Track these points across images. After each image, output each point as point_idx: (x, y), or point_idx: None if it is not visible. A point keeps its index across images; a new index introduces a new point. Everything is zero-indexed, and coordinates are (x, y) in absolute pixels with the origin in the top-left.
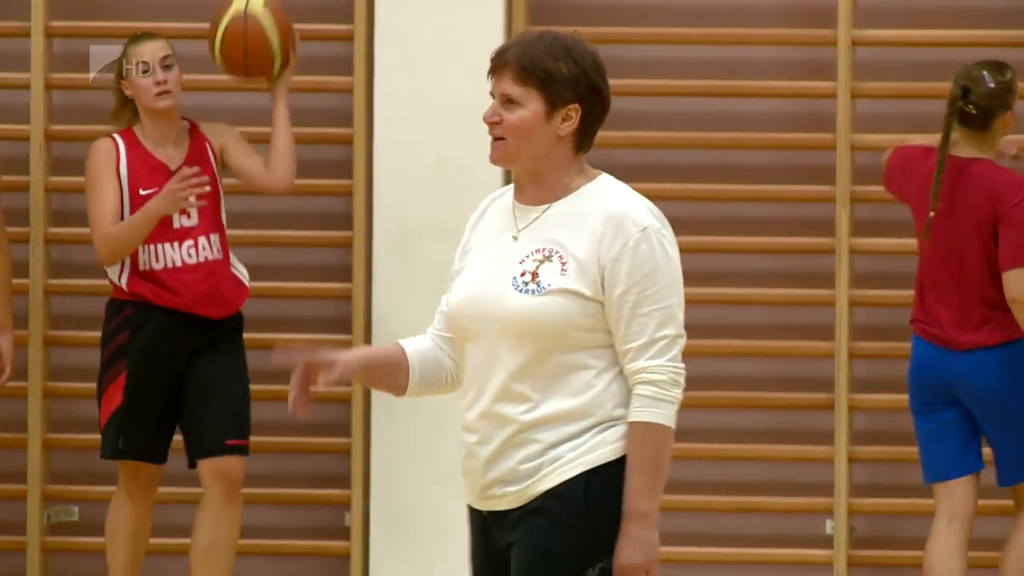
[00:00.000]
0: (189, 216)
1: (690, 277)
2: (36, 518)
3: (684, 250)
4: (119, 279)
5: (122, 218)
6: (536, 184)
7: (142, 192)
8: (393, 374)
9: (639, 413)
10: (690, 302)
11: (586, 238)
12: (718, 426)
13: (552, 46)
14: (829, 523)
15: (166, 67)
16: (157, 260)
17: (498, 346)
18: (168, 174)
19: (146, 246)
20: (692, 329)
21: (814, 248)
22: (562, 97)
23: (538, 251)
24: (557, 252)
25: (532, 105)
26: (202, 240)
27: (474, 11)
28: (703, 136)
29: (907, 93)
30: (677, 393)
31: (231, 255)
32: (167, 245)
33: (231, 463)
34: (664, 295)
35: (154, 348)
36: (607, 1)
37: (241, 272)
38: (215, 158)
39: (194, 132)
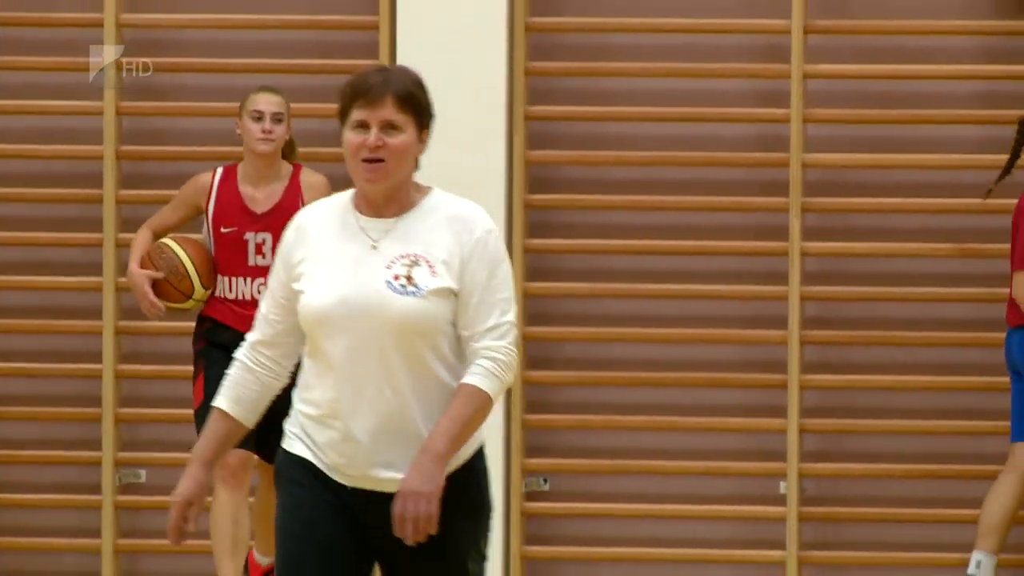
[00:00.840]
0: (264, 256)
1: (669, 275)
2: (109, 480)
3: (665, 252)
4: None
5: (214, 252)
6: (389, 200)
7: (223, 230)
8: (233, 439)
9: (474, 378)
10: (667, 296)
11: (445, 241)
12: (690, 402)
13: (414, 78)
14: (783, 484)
15: (276, 120)
16: (230, 291)
17: (376, 340)
18: (249, 216)
19: (223, 277)
20: (667, 320)
21: (771, 251)
22: (424, 123)
23: (403, 256)
24: (423, 257)
25: (410, 130)
26: None
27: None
28: (680, 155)
29: (852, 119)
30: (510, 377)
31: None
32: (240, 279)
33: None
34: (506, 287)
35: (227, 359)
36: (602, 41)
37: None
38: (306, 190)
39: (295, 177)
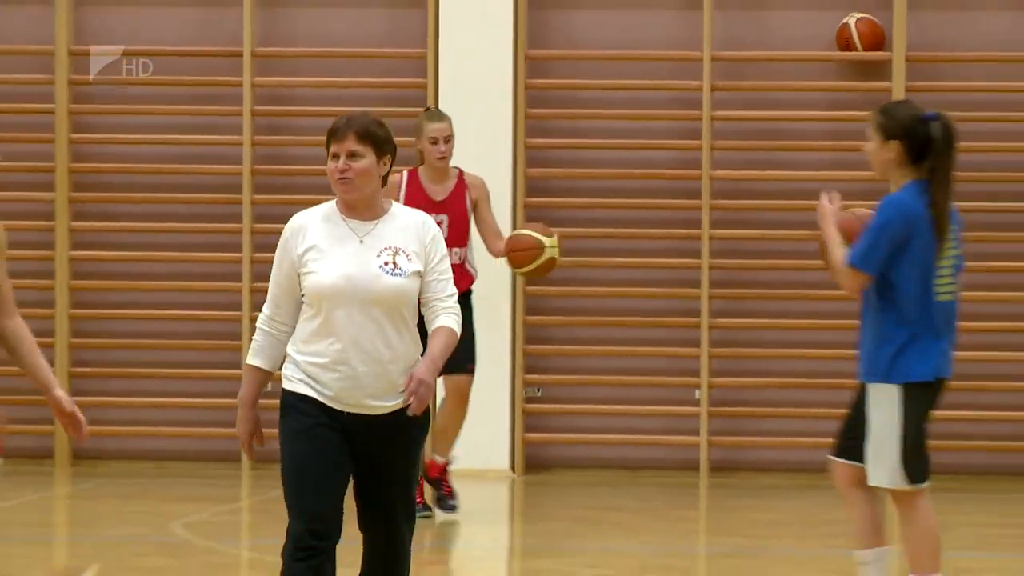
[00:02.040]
0: (447, 226)
1: (623, 252)
2: None
3: (619, 237)
4: None
5: None
6: (366, 208)
7: None
8: (265, 384)
9: (447, 321)
10: (620, 267)
11: (412, 237)
12: (632, 337)
13: (373, 120)
14: (697, 392)
15: (446, 141)
16: None
17: (372, 310)
18: (431, 204)
19: None
20: (618, 282)
21: (685, 237)
22: (383, 151)
23: (387, 249)
24: (401, 248)
25: (369, 156)
26: (449, 251)
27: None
28: (623, 172)
29: (747, 147)
30: (459, 328)
31: (466, 256)
32: None
33: (464, 380)
34: (448, 269)
35: None
36: (576, 96)
37: (474, 267)
38: (470, 201)
39: (460, 177)
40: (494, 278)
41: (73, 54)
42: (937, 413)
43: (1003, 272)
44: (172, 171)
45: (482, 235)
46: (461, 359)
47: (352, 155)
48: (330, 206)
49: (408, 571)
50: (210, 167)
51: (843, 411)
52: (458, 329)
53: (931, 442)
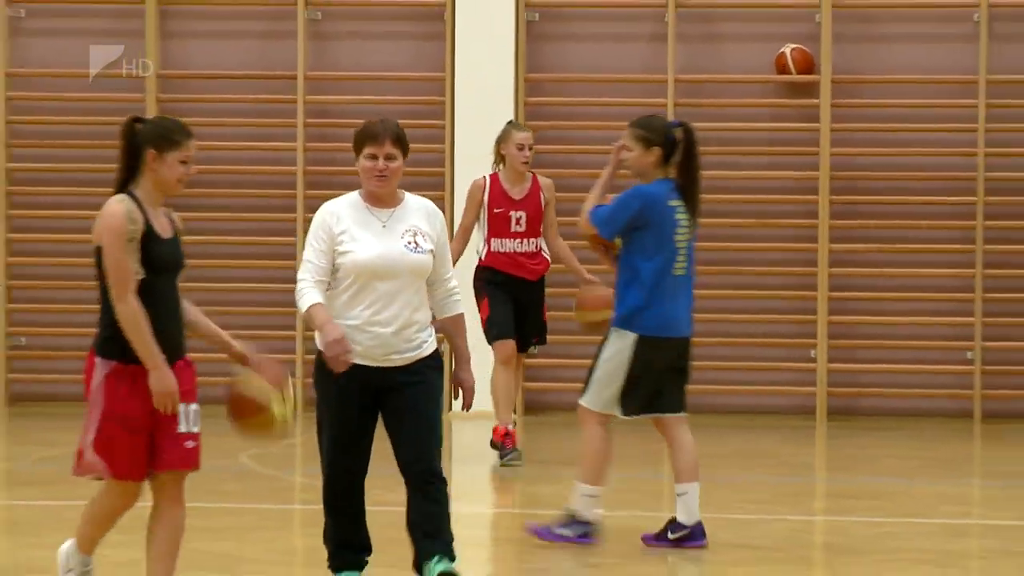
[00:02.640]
0: (520, 225)
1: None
2: None
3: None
4: (482, 253)
5: (488, 225)
6: (390, 198)
7: (495, 211)
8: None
9: (457, 307)
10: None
11: (425, 221)
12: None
13: (400, 127)
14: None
15: (529, 148)
16: (501, 247)
17: (399, 281)
18: (512, 202)
19: (496, 239)
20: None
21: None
22: (405, 152)
23: (407, 231)
24: (418, 231)
25: (400, 158)
26: (527, 241)
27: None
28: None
29: (706, 152)
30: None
31: (541, 245)
32: (507, 240)
33: (527, 354)
34: (449, 250)
35: (501, 289)
36: (564, 110)
37: (547, 254)
38: (543, 200)
39: (534, 179)
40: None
41: (160, 77)
42: (868, 367)
43: (928, 253)
44: (243, 171)
45: (544, 230)
46: (531, 329)
47: (389, 157)
48: (355, 196)
49: (446, 491)
50: (271, 168)
51: None
52: (462, 310)
53: (866, 390)
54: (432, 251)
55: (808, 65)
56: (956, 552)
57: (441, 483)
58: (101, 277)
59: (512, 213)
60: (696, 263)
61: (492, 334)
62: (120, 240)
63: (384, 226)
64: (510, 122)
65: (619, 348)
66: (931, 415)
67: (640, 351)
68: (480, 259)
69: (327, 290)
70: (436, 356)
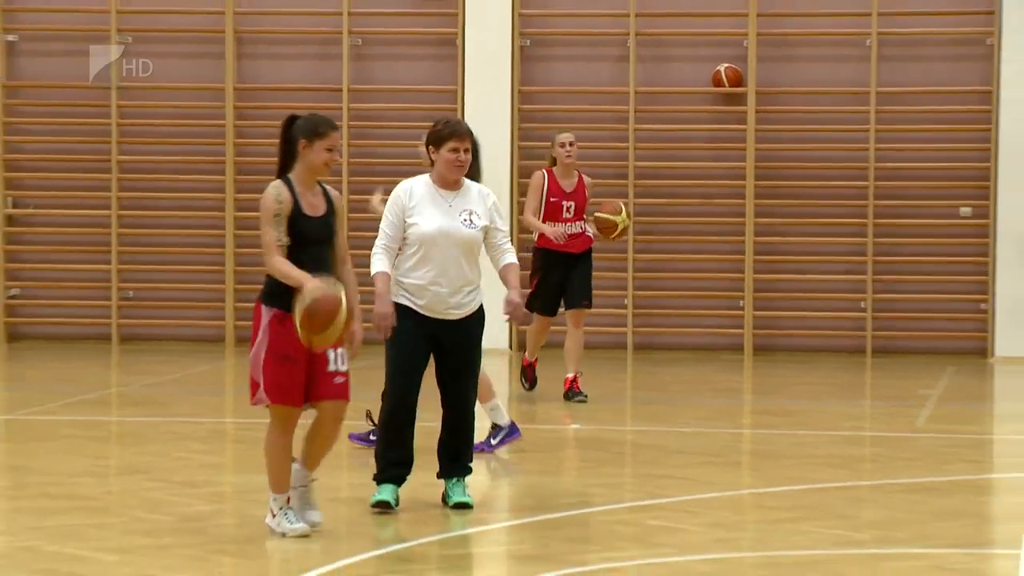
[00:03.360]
0: (569, 212)
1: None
2: None
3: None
4: (535, 237)
5: (541, 213)
6: (456, 183)
7: (551, 200)
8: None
9: (512, 258)
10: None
11: (480, 204)
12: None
13: (471, 128)
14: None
15: (572, 144)
16: (556, 227)
17: (455, 250)
18: (564, 193)
19: (550, 223)
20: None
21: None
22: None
23: (464, 210)
24: (474, 211)
25: (471, 152)
26: (574, 224)
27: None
28: (579, 163)
29: (659, 148)
30: (516, 260)
31: (585, 227)
32: (559, 224)
33: (581, 312)
34: (505, 223)
35: (551, 264)
36: (545, 116)
37: (591, 233)
38: (587, 191)
39: (580, 176)
40: None
41: (236, 89)
42: (784, 314)
43: (831, 226)
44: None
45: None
46: (581, 294)
47: (466, 151)
48: (426, 179)
49: (473, 426)
50: None
51: None
52: (517, 261)
53: (782, 331)
54: (485, 227)
55: (738, 80)
56: (854, 456)
57: (471, 422)
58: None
59: (564, 203)
60: (655, 235)
61: (533, 307)
62: (267, 215)
63: (450, 206)
64: (559, 131)
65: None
66: (833, 351)
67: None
68: (535, 241)
69: (398, 254)
70: (481, 311)
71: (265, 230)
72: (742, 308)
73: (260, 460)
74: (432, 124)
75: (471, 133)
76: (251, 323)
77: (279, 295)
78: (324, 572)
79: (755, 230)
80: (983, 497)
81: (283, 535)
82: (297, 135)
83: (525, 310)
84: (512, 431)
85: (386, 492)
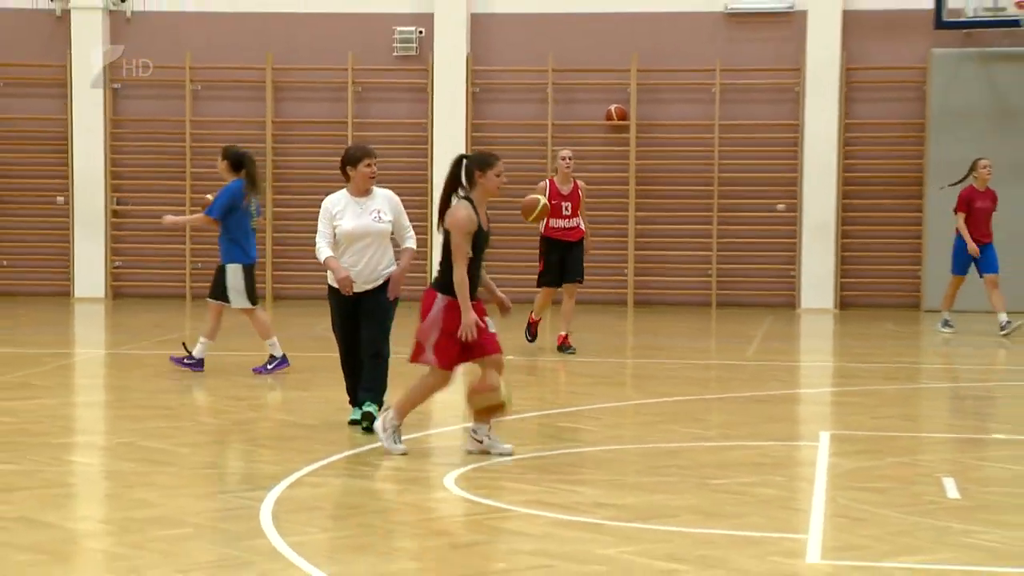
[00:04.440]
0: (567, 210)
1: None
2: None
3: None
4: (541, 227)
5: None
6: (367, 191)
7: (552, 201)
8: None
9: (411, 244)
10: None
11: (386, 204)
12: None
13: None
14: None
15: (570, 158)
16: (555, 224)
17: (371, 242)
18: (562, 197)
19: (553, 219)
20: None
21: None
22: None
23: (374, 211)
24: (381, 210)
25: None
26: (570, 220)
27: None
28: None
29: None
30: (415, 247)
31: (579, 222)
32: (559, 220)
33: (574, 286)
34: (407, 219)
35: (553, 248)
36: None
37: (583, 227)
38: (581, 192)
39: (575, 182)
40: None
41: (274, 123)
42: (657, 279)
43: (687, 215)
44: (328, 176)
45: (580, 212)
46: (574, 272)
47: (376, 166)
48: (344, 192)
49: (387, 371)
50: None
51: None
52: (415, 248)
53: (655, 291)
54: (391, 221)
55: (624, 116)
56: (704, 378)
57: (383, 360)
58: (446, 248)
59: (563, 203)
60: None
61: (540, 282)
62: (462, 232)
63: (362, 209)
64: (560, 148)
65: (234, 273)
66: (690, 304)
67: (240, 275)
68: (541, 231)
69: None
70: (386, 283)
71: (459, 243)
72: (626, 275)
73: (290, 379)
74: (347, 148)
75: (375, 152)
76: (403, 299)
77: (452, 289)
78: (330, 461)
79: (635, 220)
80: (793, 406)
81: (391, 449)
82: (472, 167)
83: (402, 285)
84: (283, 361)
85: (355, 412)
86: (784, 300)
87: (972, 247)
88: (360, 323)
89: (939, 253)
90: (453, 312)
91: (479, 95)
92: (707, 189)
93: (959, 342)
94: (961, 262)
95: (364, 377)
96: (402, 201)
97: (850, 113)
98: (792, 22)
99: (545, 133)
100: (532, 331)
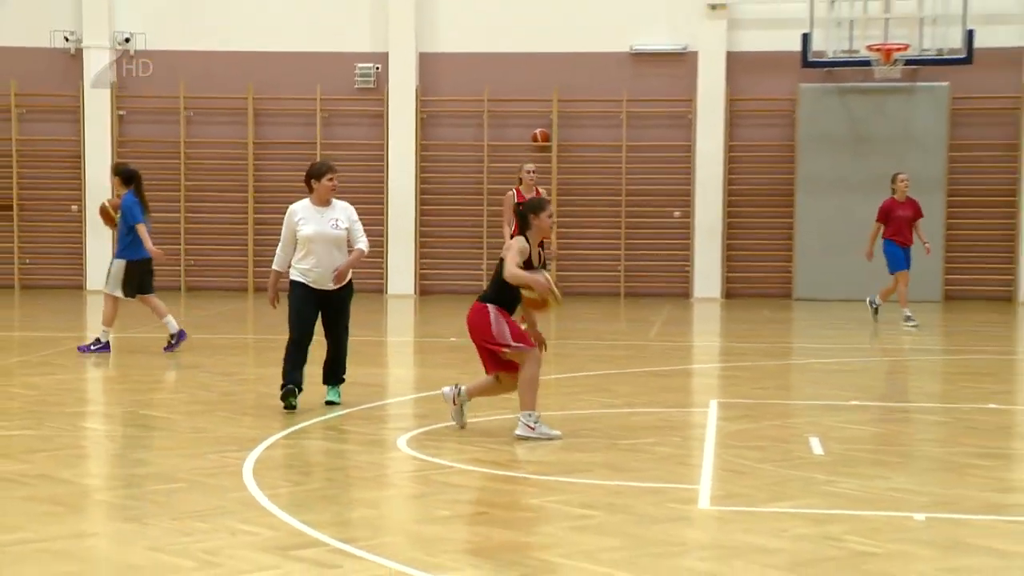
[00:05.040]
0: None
1: None
2: None
3: None
4: (511, 231)
5: (513, 219)
6: (327, 201)
7: (519, 208)
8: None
9: (361, 245)
10: None
11: (343, 213)
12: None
13: None
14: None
15: (534, 172)
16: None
17: (327, 245)
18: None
19: (515, 222)
20: None
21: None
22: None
23: (332, 219)
24: (338, 218)
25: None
26: None
27: None
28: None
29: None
30: (367, 249)
31: None
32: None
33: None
34: (360, 226)
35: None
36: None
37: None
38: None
39: (537, 191)
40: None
41: (256, 144)
42: (577, 275)
43: (598, 224)
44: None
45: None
46: (542, 267)
47: (337, 179)
48: (307, 201)
49: (346, 355)
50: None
51: None
52: (365, 250)
53: (575, 284)
54: (347, 228)
55: (547, 138)
56: (615, 355)
57: (344, 351)
58: (499, 272)
59: None
60: (498, 237)
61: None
62: (518, 259)
63: (322, 216)
64: (526, 162)
65: (115, 268)
66: (600, 295)
67: (131, 270)
68: (513, 233)
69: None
70: (350, 284)
71: (512, 256)
72: (550, 271)
73: (269, 357)
74: (312, 164)
75: (336, 168)
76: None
77: (499, 299)
78: (301, 427)
79: (558, 225)
80: (687, 379)
81: (543, 438)
82: (526, 212)
83: (347, 275)
84: (181, 335)
85: (291, 396)
86: (680, 291)
87: (867, 252)
88: (324, 318)
89: (807, 251)
90: (506, 314)
91: (426, 120)
92: (616, 199)
93: (824, 325)
94: (895, 261)
95: (331, 364)
96: (361, 208)
97: (733, 136)
98: (685, 61)
99: (482, 152)
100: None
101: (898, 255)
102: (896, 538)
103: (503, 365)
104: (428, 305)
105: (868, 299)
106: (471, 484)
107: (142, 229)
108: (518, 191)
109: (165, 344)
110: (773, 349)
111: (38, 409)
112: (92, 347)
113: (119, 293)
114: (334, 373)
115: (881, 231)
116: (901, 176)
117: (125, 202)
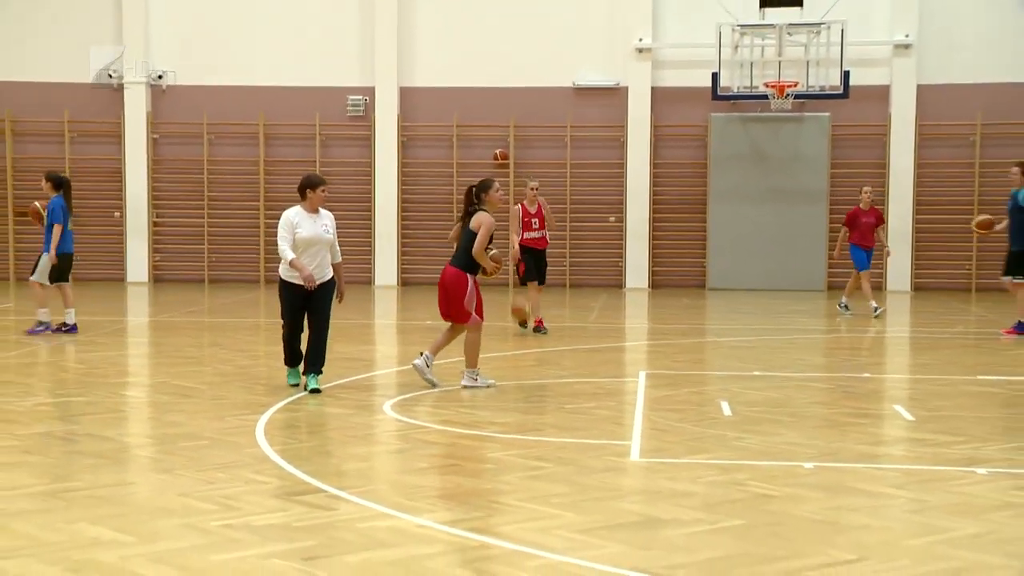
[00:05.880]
0: (536, 222)
1: None
2: None
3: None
4: (520, 238)
5: (520, 227)
6: (317, 209)
7: (524, 219)
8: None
9: (337, 258)
10: None
11: (329, 221)
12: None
13: None
14: None
15: (536, 189)
16: (528, 235)
17: (319, 247)
18: (531, 216)
19: (526, 232)
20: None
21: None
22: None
23: (323, 225)
24: (327, 224)
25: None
26: (539, 231)
27: None
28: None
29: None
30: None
31: (545, 233)
32: (531, 232)
33: (538, 286)
34: (335, 235)
35: (528, 253)
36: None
37: (547, 237)
38: (544, 210)
39: (539, 204)
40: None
41: (266, 162)
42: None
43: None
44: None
45: (547, 226)
46: (541, 276)
47: (328, 191)
48: (299, 208)
49: (326, 342)
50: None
51: None
52: (339, 261)
53: (550, 278)
54: (334, 234)
55: (506, 157)
56: (560, 335)
57: (324, 341)
58: (469, 240)
59: (532, 220)
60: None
61: (525, 280)
62: (490, 229)
63: (315, 222)
64: (529, 178)
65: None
66: (552, 286)
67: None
68: (520, 241)
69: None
70: (332, 281)
71: (483, 240)
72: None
73: (278, 336)
74: (307, 176)
75: (328, 181)
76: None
77: (473, 269)
78: (303, 395)
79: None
80: (621, 354)
81: (482, 386)
82: (480, 192)
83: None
84: (73, 328)
85: (292, 376)
86: (614, 282)
87: (836, 253)
88: (308, 311)
89: (718, 250)
90: (477, 287)
91: (406, 143)
92: (563, 207)
93: (732, 310)
94: (859, 261)
95: (311, 354)
96: (352, 213)
97: (657, 156)
98: (618, 94)
99: (452, 169)
100: (541, 326)
101: (861, 257)
102: (790, 483)
103: (453, 316)
104: (408, 294)
105: (839, 303)
106: (444, 441)
107: (57, 230)
108: (522, 205)
109: (45, 327)
110: (690, 329)
111: (86, 380)
112: (38, 329)
113: (45, 280)
114: (313, 362)
115: (846, 235)
116: (866, 189)
117: (51, 205)
